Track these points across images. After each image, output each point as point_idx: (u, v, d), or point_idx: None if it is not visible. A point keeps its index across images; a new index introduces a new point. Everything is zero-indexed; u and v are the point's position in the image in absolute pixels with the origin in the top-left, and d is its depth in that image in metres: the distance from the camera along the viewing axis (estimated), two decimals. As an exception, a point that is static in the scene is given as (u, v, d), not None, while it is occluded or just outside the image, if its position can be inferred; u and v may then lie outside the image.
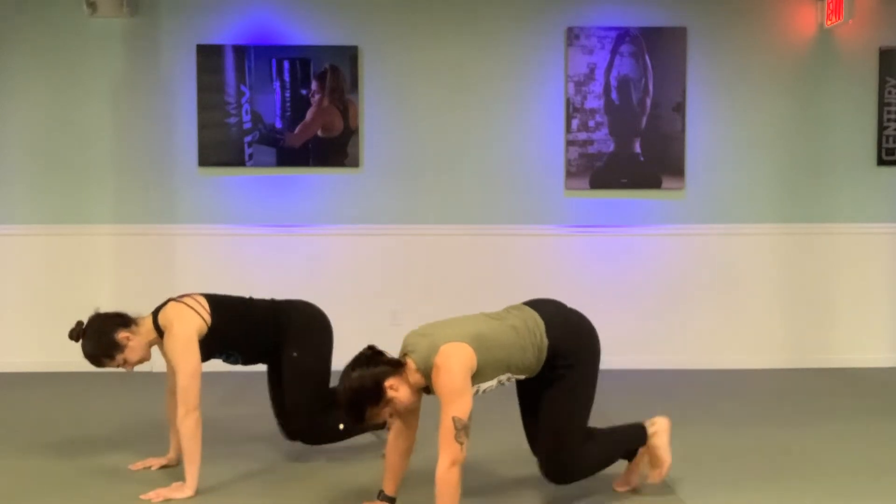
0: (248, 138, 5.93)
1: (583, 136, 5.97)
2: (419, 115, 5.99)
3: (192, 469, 3.45)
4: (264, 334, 3.81)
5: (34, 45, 5.89)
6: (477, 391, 3.11)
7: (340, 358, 3.25)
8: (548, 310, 3.31)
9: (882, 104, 6.02)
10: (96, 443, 4.21)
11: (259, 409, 4.68)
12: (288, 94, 5.91)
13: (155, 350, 3.70)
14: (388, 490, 3.26)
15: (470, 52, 5.97)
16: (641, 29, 5.94)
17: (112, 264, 5.98)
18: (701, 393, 5.36)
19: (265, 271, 5.91)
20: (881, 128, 6.03)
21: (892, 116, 6.02)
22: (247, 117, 5.91)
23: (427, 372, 3.04)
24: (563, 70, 5.98)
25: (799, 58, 6.02)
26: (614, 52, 5.93)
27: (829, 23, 5.88)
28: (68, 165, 5.94)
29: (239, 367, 4.03)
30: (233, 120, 5.92)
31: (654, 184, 5.99)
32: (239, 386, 5.38)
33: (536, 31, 5.97)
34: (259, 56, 5.89)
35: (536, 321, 3.22)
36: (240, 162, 5.94)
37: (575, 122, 5.96)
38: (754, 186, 6.05)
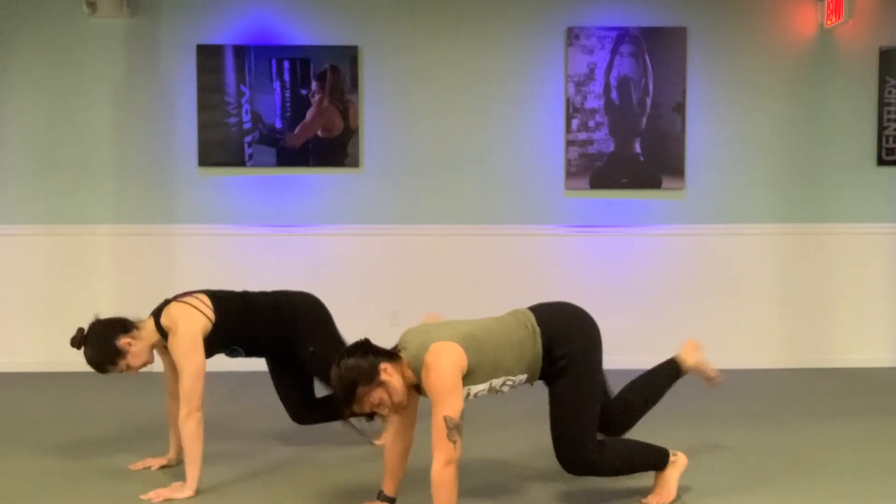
0: (248, 138, 5.93)
1: (583, 136, 5.97)
2: (419, 115, 5.99)
3: (192, 469, 3.46)
4: (265, 326, 3.82)
5: (34, 45, 5.89)
6: (467, 395, 3.10)
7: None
8: (540, 305, 3.36)
9: (882, 104, 6.02)
10: (96, 443, 4.21)
11: (259, 409, 4.69)
12: (288, 94, 5.91)
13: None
14: (388, 490, 3.27)
15: (470, 53, 5.97)
16: (641, 29, 5.94)
17: (112, 264, 5.98)
18: (701, 393, 5.36)
19: (265, 271, 5.91)
20: (881, 128, 6.03)
21: (892, 116, 6.02)
22: (247, 117, 5.92)
23: (417, 370, 3.05)
24: (563, 70, 5.98)
25: (799, 58, 6.02)
26: (614, 52, 5.93)
27: (829, 23, 5.88)
28: (68, 165, 5.94)
29: (239, 367, 4.05)
30: (233, 120, 5.92)
31: (654, 184, 5.99)
32: (239, 385, 5.38)
33: (536, 31, 5.97)
34: (259, 56, 5.89)
35: (527, 314, 3.27)
36: (240, 162, 5.94)
37: (575, 122, 5.96)
38: (754, 186, 6.05)
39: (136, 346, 3.54)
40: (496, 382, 3.16)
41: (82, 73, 5.92)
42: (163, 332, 3.59)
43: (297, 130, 5.93)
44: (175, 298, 3.68)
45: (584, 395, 3.25)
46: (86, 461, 3.92)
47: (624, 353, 5.87)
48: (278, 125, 5.93)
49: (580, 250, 6.04)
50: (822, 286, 6.09)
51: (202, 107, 5.91)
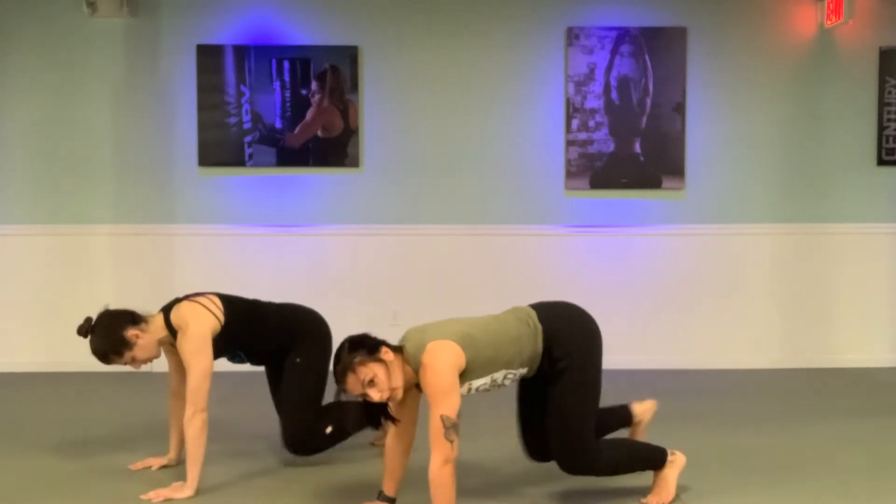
0: (248, 138, 5.93)
1: (583, 136, 5.97)
2: (419, 115, 5.99)
3: (193, 469, 3.46)
4: (271, 336, 3.82)
5: (34, 45, 5.89)
6: (469, 390, 3.11)
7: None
8: (542, 303, 3.36)
9: (882, 104, 6.02)
10: (96, 443, 4.21)
11: (259, 409, 4.69)
12: (288, 94, 5.91)
13: (155, 350, 3.71)
14: (388, 490, 3.27)
15: (470, 52, 5.97)
16: (641, 29, 5.94)
17: (112, 264, 5.98)
18: (701, 393, 5.37)
19: (265, 271, 5.91)
20: (881, 128, 6.03)
21: (892, 116, 6.02)
22: (247, 117, 5.92)
23: (416, 368, 3.06)
24: (563, 70, 5.98)
25: (799, 58, 6.02)
26: (614, 52, 5.93)
27: (829, 23, 5.88)
28: (68, 165, 5.94)
29: (239, 368, 4.04)
30: (233, 120, 5.92)
31: (654, 184, 5.99)
32: (239, 386, 5.38)
33: (536, 31, 5.97)
34: (259, 56, 5.89)
35: (528, 312, 3.27)
36: (240, 162, 5.94)
37: (575, 122, 5.96)
38: (754, 186, 6.05)
39: (143, 339, 3.54)
40: (497, 376, 3.18)
41: (82, 73, 5.92)
42: (171, 330, 3.59)
43: (297, 130, 5.93)
44: (186, 297, 3.68)
45: (584, 397, 3.25)
46: (86, 461, 3.93)
47: (624, 354, 5.89)
48: (278, 125, 5.93)
49: (580, 250, 6.04)
50: (822, 286, 6.09)
51: (202, 107, 5.91)
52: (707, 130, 6.03)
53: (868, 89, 6.03)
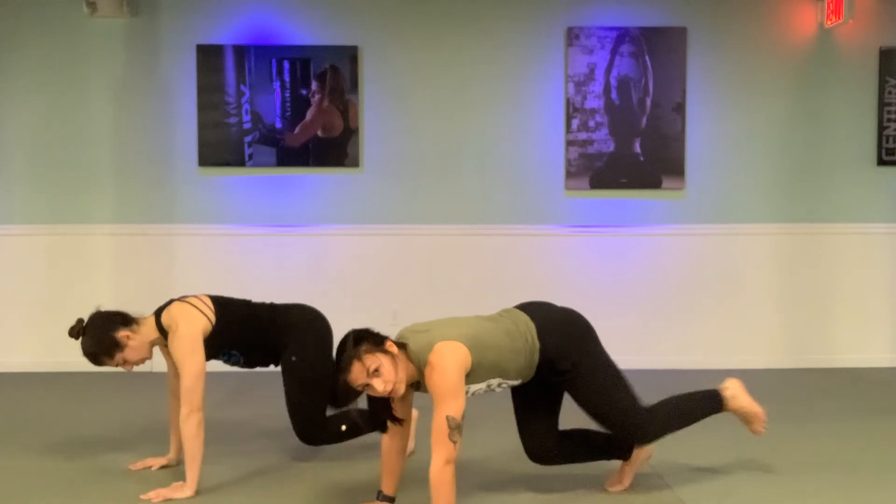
0: (248, 138, 5.93)
1: (583, 136, 5.97)
2: (419, 115, 5.99)
3: (192, 469, 3.45)
4: (265, 336, 3.80)
5: (34, 45, 5.89)
6: (467, 392, 3.11)
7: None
8: (539, 314, 3.32)
9: (882, 104, 6.02)
10: (96, 443, 4.21)
11: (259, 410, 4.69)
12: (288, 94, 5.91)
13: (156, 350, 3.70)
14: (387, 490, 3.26)
15: (470, 52, 5.97)
16: (641, 29, 5.94)
17: (112, 264, 5.98)
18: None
19: (265, 271, 5.92)
20: (881, 128, 6.03)
21: (892, 116, 6.02)
22: (247, 117, 5.92)
23: (420, 367, 3.05)
24: (563, 70, 5.98)
25: (799, 58, 6.02)
26: (614, 52, 5.94)
27: (829, 23, 5.88)
28: (68, 165, 5.95)
29: (239, 369, 4.03)
30: (233, 120, 5.92)
31: (654, 184, 6.00)
32: (239, 386, 5.39)
33: (536, 31, 5.97)
34: (259, 56, 5.89)
35: (528, 325, 3.25)
36: (240, 162, 5.94)
37: (575, 122, 5.96)
38: (754, 186, 6.05)
39: (134, 341, 3.53)
40: (493, 383, 3.19)
41: (82, 73, 5.92)
42: (163, 331, 3.59)
43: (297, 130, 5.93)
44: (179, 299, 3.68)
45: (605, 387, 3.31)
46: (86, 461, 3.92)
47: (624, 353, 5.86)
48: (278, 125, 5.93)
49: (580, 250, 6.04)
50: (821, 286, 6.10)
51: (202, 107, 5.91)
52: (707, 130, 6.03)
53: (868, 89, 6.03)
